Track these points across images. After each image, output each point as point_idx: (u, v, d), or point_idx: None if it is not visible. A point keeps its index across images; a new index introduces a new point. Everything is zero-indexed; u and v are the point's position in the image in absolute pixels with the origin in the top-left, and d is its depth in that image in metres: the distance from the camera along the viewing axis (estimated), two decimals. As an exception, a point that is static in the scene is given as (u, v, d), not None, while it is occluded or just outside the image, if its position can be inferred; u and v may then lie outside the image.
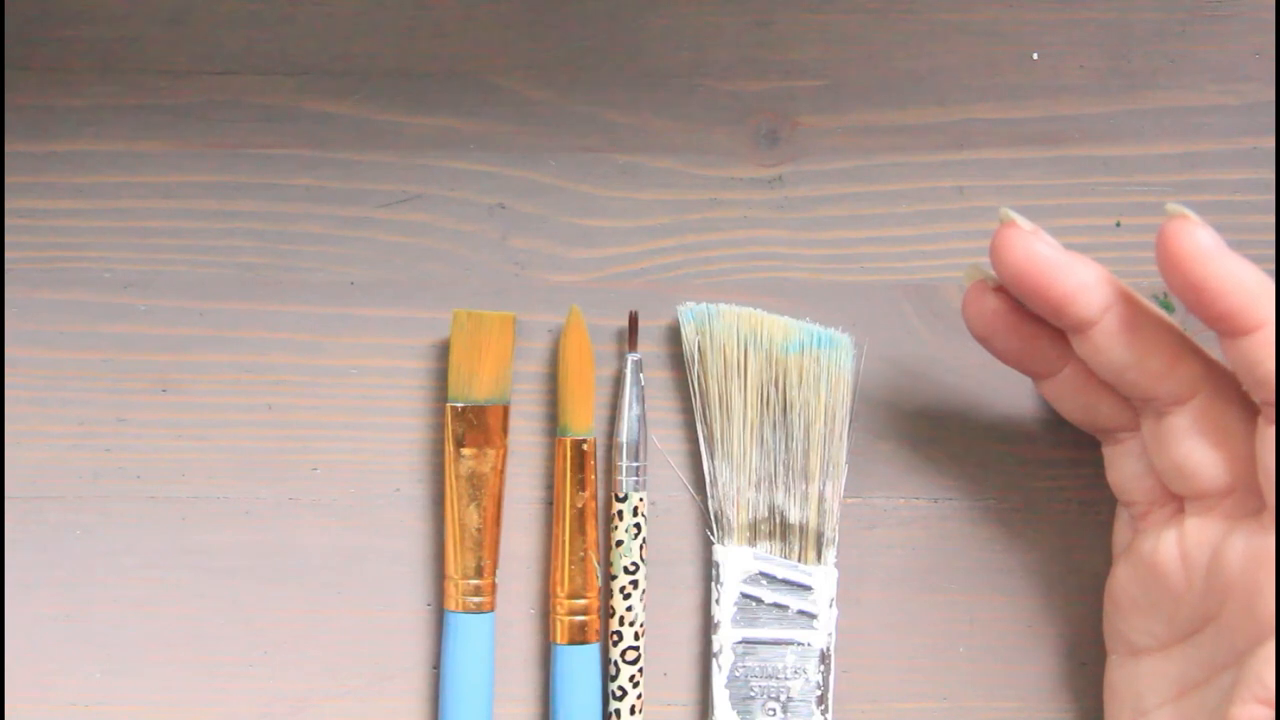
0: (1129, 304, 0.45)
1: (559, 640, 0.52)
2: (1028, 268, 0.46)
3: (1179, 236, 0.43)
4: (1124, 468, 0.49)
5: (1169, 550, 0.47)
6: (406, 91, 0.54)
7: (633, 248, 0.54)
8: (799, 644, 0.52)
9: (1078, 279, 0.45)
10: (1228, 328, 0.43)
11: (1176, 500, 0.48)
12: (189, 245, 0.54)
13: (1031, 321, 0.48)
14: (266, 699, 0.53)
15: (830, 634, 0.52)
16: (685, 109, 0.54)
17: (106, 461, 0.53)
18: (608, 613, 0.52)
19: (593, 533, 0.52)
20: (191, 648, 0.53)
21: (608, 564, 0.52)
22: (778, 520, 0.52)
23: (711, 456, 0.53)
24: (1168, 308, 0.53)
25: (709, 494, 0.53)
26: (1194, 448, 0.46)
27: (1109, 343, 0.46)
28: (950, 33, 0.54)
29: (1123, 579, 0.49)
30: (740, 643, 0.52)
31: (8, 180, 0.53)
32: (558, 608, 0.52)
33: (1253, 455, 0.45)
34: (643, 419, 0.52)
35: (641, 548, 0.52)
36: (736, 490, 0.52)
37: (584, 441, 0.52)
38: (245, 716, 0.53)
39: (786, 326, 0.52)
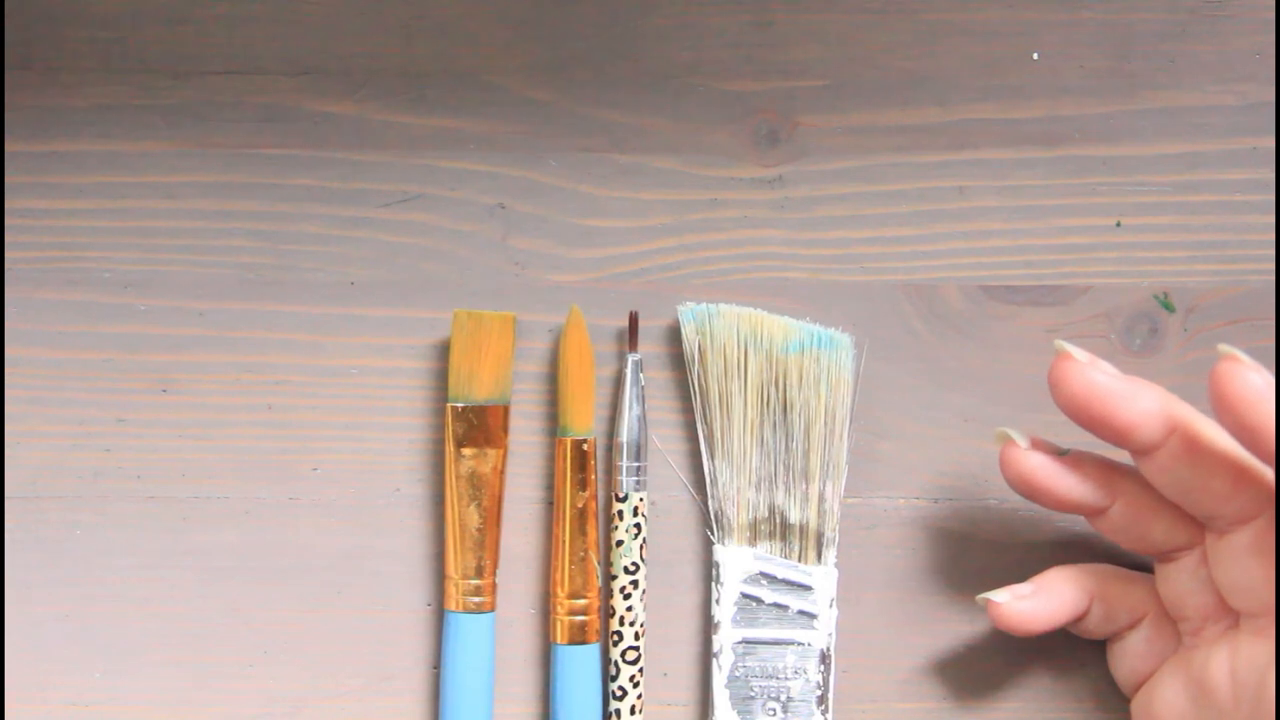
0: (1192, 427, 0.46)
1: (559, 640, 0.52)
2: (1088, 399, 0.46)
3: (1231, 380, 0.43)
4: (1178, 584, 0.49)
5: (1219, 667, 0.47)
6: (406, 91, 0.54)
7: (633, 248, 0.54)
8: (799, 644, 0.52)
9: (1139, 407, 0.46)
10: (1277, 466, 0.44)
11: (1230, 617, 0.48)
12: (189, 245, 0.54)
13: (1069, 473, 0.49)
14: (266, 699, 0.53)
15: (830, 634, 0.52)
16: (685, 109, 0.54)
17: (106, 461, 0.53)
18: (608, 613, 0.52)
19: (593, 533, 0.52)
20: (191, 648, 0.53)
21: (608, 564, 0.52)
22: (778, 520, 0.52)
23: (712, 456, 0.53)
24: (1169, 308, 0.54)
25: (709, 494, 0.53)
26: (1252, 567, 0.46)
27: (1173, 465, 0.46)
28: (950, 33, 0.54)
29: (1168, 695, 0.49)
30: (740, 643, 0.52)
31: (8, 180, 0.53)
32: (558, 608, 0.52)
33: None
34: (643, 419, 0.52)
35: (642, 548, 0.52)
36: (737, 490, 0.52)
37: (584, 441, 0.52)
38: (245, 717, 0.53)
39: (786, 326, 0.52)
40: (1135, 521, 0.49)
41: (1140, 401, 0.46)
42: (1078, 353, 0.47)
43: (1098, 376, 0.46)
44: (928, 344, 0.54)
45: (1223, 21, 0.54)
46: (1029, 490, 0.49)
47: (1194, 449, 0.46)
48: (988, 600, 0.50)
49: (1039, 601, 0.50)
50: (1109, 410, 0.46)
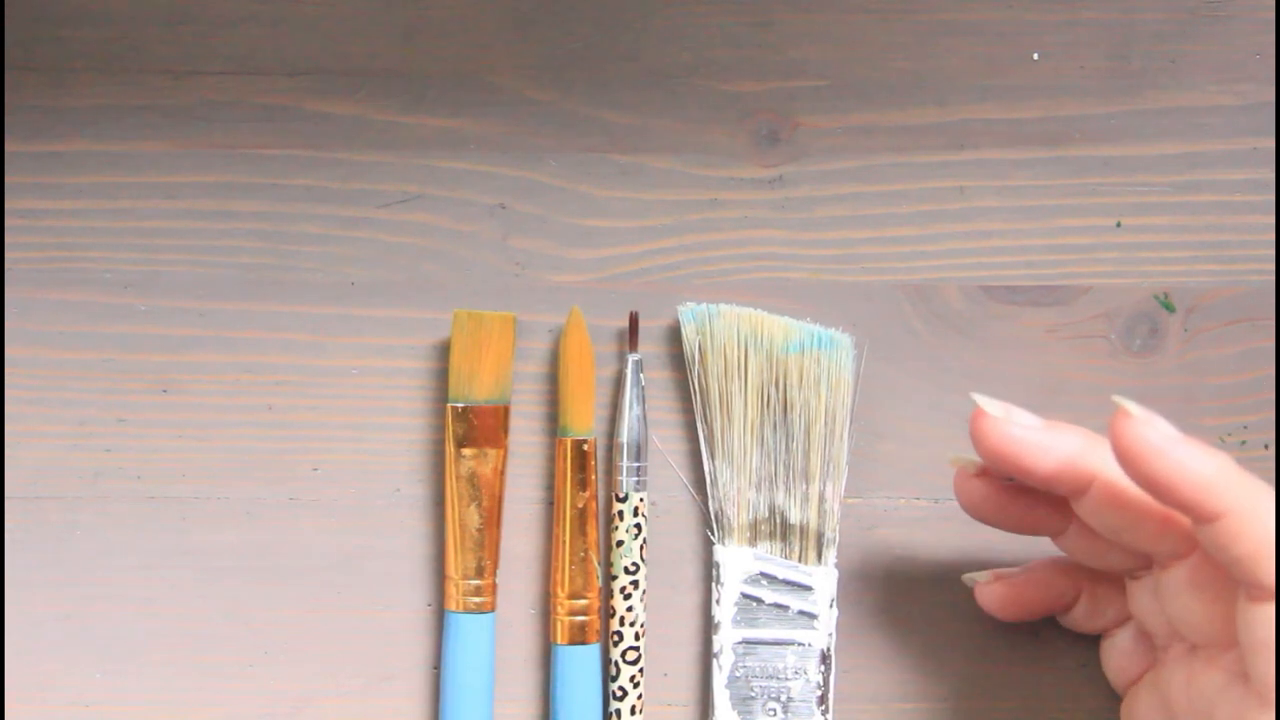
0: (1111, 475, 0.46)
1: (559, 640, 0.52)
2: (1005, 454, 0.46)
3: (1127, 436, 0.43)
4: (1143, 602, 0.49)
5: (1179, 688, 0.47)
6: (406, 91, 0.54)
7: (633, 248, 0.54)
8: (799, 644, 0.52)
9: (1055, 459, 0.46)
10: (1191, 516, 0.44)
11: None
12: (189, 245, 0.54)
13: (1021, 497, 0.49)
14: (266, 699, 0.53)
15: (831, 634, 0.52)
16: (685, 109, 0.54)
17: (106, 461, 0.53)
18: (608, 613, 0.52)
19: (593, 533, 0.52)
20: (191, 648, 0.53)
21: (608, 564, 0.52)
22: (778, 520, 0.52)
23: (712, 457, 0.53)
24: (1169, 308, 0.54)
25: (709, 494, 0.53)
26: (1191, 602, 0.46)
27: (1099, 510, 0.46)
28: (950, 33, 0.54)
29: (1144, 705, 0.49)
30: (741, 643, 0.52)
31: (8, 180, 0.53)
32: (558, 608, 0.52)
33: None
34: (643, 419, 0.52)
35: (642, 548, 0.52)
36: (737, 490, 0.52)
37: (584, 442, 0.52)
38: (245, 717, 0.53)
39: (787, 327, 0.52)
40: (1091, 545, 0.49)
41: (1056, 453, 0.46)
42: (991, 406, 0.46)
43: (1013, 431, 0.46)
44: (928, 344, 0.54)
45: (1223, 21, 0.54)
46: (980, 515, 0.49)
47: (1116, 496, 0.46)
48: (974, 581, 0.50)
49: (1022, 587, 0.50)
50: (1025, 464, 0.46)
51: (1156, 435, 0.43)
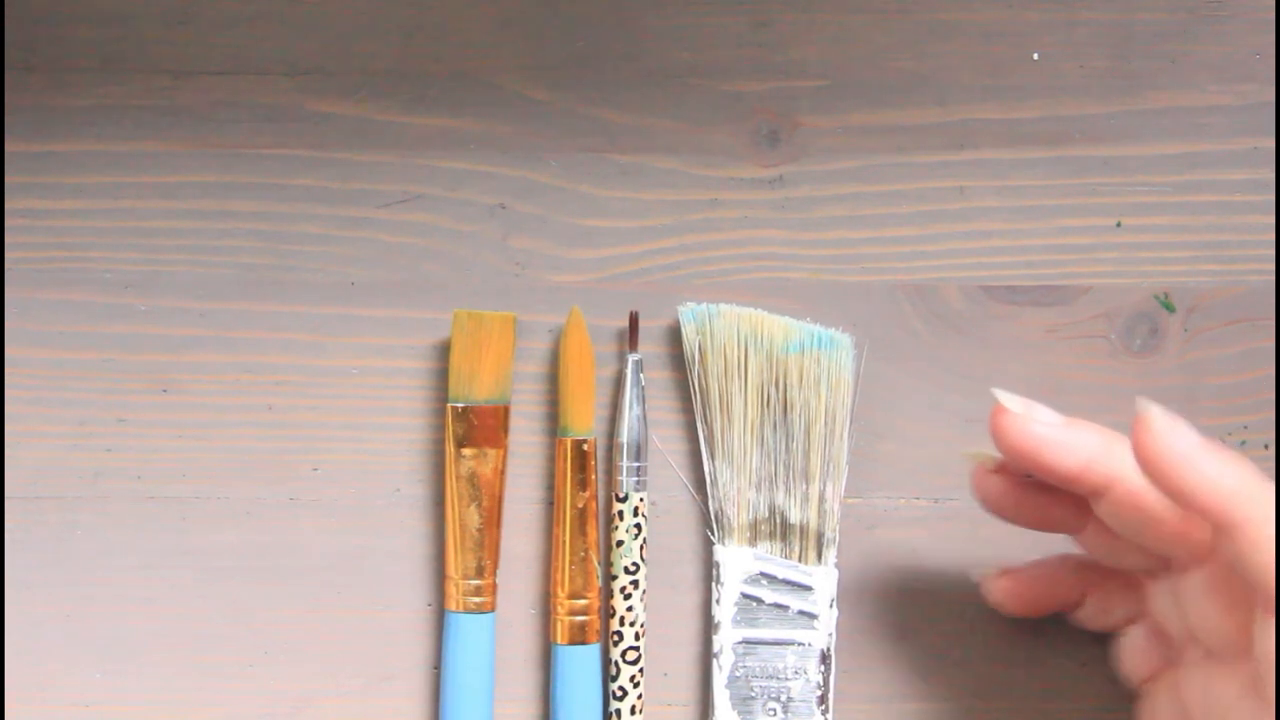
0: (1136, 473, 0.45)
1: (559, 640, 0.52)
2: (1027, 451, 0.46)
3: (1150, 444, 0.43)
4: (1160, 604, 0.49)
5: (1195, 693, 0.47)
6: (406, 91, 0.54)
7: (633, 248, 0.54)
8: (799, 644, 0.52)
9: (1079, 458, 0.46)
10: (1211, 523, 0.43)
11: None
12: (189, 245, 0.54)
13: (1039, 494, 0.48)
14: (266, 699, 0.53)
15: (831, 634, 0.52)
16: (685, 109, 0.54)
17: (106, 461, 0.53)
18: (608, 613, 0.52)
19: (593, 533, 0.52)
20: (191, 648, 0.53)
21: (608, 564, 0.52)
22: (778, 520, 0.52)
23: (712, 457, 0.53)
24: (1169, 308, 0.54)
25: (709, 494, 0.53)
26: (1208, 608, 0.46)
27: (1119, 510, 0.46)
28: (950, 33, 0.54)
29: (1162, 709, 0.49)
30: (741, 643, 0.52)
31: (8, 180, 0.53)
32: (558, 608, 0.52)
33: None
34: (643, 419, 0.52)
35: (642, 548, 0.52)
36: (737, 490, 0.52)
37: (584, 442, 0.52)
38: (245, 716, 0.53)
39: (787, 327, 0.52)
40: (1110, 544, 0.48)
41: (1080, 452, 0.46)
42: (1012, 403, 0.46)
43: (1035, 428, 0.46)
44: (928, 344, 0.54)
45: (1223, 21, 0.54)
46: (998, 511, 0.49)
47: (1136, 499, 0.46)
48: (981, 575, 0.50)
49: (1030, 582, 0.50)
50: (1047, 462, 0.46)
51: (1181, 443, 0.43)
